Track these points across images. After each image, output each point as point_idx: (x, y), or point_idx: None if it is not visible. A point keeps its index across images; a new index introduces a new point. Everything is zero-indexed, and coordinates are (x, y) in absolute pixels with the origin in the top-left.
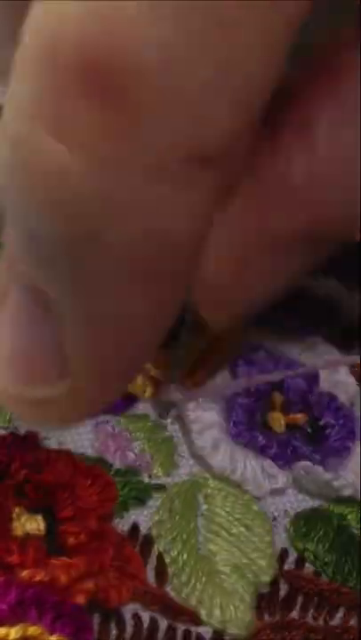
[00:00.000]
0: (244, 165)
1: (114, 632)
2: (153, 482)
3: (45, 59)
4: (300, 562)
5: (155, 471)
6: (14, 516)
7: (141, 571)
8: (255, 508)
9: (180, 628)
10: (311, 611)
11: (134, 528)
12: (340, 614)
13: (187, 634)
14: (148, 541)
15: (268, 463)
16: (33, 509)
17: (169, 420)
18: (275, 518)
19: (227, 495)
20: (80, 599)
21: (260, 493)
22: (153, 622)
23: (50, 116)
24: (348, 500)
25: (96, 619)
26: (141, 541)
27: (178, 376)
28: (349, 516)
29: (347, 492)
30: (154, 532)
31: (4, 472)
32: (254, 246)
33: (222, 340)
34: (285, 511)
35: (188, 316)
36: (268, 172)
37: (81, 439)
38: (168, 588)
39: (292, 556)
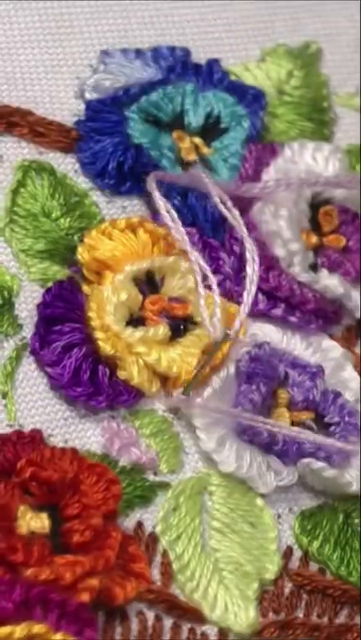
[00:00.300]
0: None
1: (118, 630)
2: (158, 479)
3: None
4: (305, 559)
5: (160, 468)
6: (19, 514)
7: (146, 569)
8: (260, 504)
9: (185, 626)
10: (316, 609)
11: (139, 526)
12: (345, 612)
13: (191, 632)
14: (153, 540)
15: (273, 460)
16: (38, 507)
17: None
18: (279, 515)
19: (231, 492)
20: (85, 597)
21: (265, 490)
22: (158, 620)
23: None
24: (354, 497)
25: (101, 617)
26: (146, 540)
27: (191, 390)
28: (354, 513)
29: (352, 489)
30: (158, 529)
31: (10, 470)
32: None
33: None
34: (290, 508)
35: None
36: None
37: (87, 436)
38: (173, 587)
39: (297, 554)
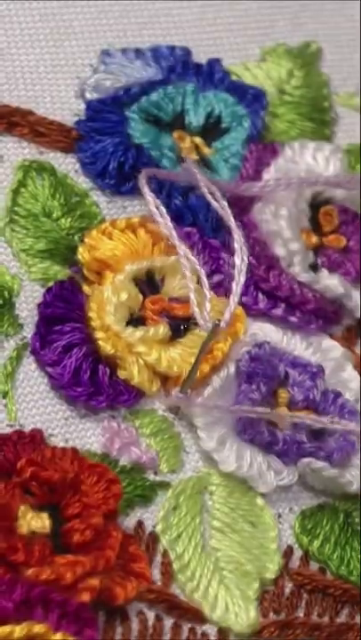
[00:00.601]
0: None
1: (119, 630)
2: (158, 479)
3: None
4: (305, 558)
5: (160, 467)
6: (20, 514)
7: (146, 569)
8: (260, 504)
9: (186, 625)
10: (316, 608)
11: (139, 526)
12: (345, 611)
13: (192, 632)
14: (154, 539)
15: (273, 459)
16: (38, 507)
17: (177, 416)
18: (280, 515)
19: (232, 491)
20: (85, 597)
21: (265, 489)
22: (158, 620)
23: None
24: (354, 496)
25: (101, 617)
26: (146, 539)
27: (189, 386)
28: (355, 513)
29: (352, 488)
30: (159, 529)
31: (10, 470)
32: None
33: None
34: (291, 507)
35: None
36: None
37: (87, 436)
38: (173, 587)
39: (298, 553)
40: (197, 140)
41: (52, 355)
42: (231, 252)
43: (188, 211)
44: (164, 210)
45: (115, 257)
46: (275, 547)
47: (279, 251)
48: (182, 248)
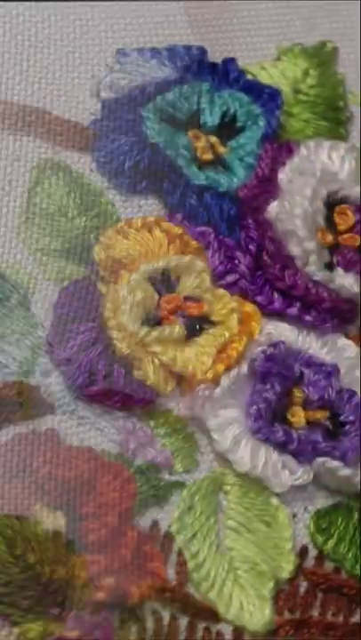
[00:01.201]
0: None
1: (134, 629)
2: (173, 479)
3: None
4: (320, 558)
5: (175, 467)
6: (35, 513)
7: (162, 568)
8: (275, 503)
9: (201, 625)
10: (331, 607)
11: (154, 526)
12: (360, 611)
13: (206, 631)
14: (169, 539)
15: (288, 459)
16: (53, 506)
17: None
18: (295, 514)
19: (247, 491)
20: (100, 596)
21: (280, 489)
22: (173, 619)
23: None
24: None
25: (116, 615)
26: (162, 539)
27: None
28: None
29: None
30: (174, 529)
31: (26, 469)
32: None
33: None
34: (306, 507)
35: None
36: None
37: (102, 435)
38: (188, 586)
39: (312, 552)
40: (213, 139)
41: (68, 354)
42: (243, 250)
43: (203, 210)
44: None
45: (130, 256)
46: (290, 546)
47: (294, 250)
48: None
